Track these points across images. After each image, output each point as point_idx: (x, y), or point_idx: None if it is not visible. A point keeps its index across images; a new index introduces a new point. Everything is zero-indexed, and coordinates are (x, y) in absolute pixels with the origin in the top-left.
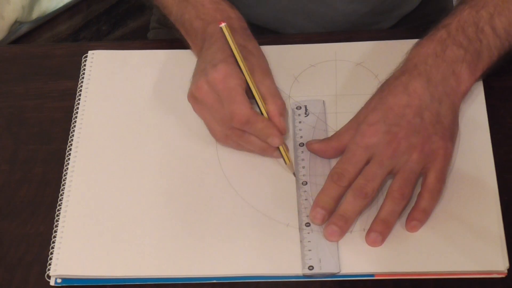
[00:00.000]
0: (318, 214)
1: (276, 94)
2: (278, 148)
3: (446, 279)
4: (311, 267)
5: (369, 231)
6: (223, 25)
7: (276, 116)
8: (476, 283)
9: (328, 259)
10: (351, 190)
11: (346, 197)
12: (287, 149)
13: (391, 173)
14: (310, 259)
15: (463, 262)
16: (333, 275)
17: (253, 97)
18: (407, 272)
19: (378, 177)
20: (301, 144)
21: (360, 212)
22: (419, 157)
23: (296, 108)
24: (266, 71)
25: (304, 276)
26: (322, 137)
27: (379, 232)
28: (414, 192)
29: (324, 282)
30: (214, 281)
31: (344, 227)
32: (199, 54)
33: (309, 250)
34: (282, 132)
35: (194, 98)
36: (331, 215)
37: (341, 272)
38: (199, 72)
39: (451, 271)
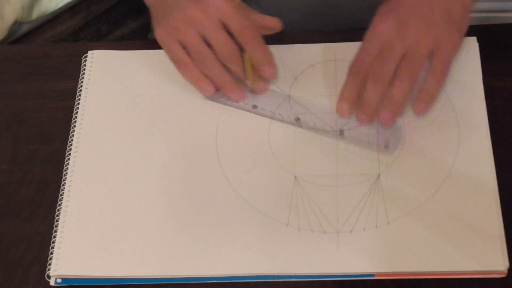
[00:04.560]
0: (344, 108)
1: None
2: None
3: (446, 279)
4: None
5: (380, 111)
6: None
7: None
8: (476, 283)
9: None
10: (369, 79)
11: (367, 87)
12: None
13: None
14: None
15: (463, 262)
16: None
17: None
18: (407, 272)
19: (391, 59)
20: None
21: (381, 97)
22: (426, 42)
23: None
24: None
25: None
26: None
27: (388, 110)
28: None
29: (324, 282)
30: (214, 281)
31: (372, 114)
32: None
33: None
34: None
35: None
36: (354, 106)
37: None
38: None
39: (451, 271)
